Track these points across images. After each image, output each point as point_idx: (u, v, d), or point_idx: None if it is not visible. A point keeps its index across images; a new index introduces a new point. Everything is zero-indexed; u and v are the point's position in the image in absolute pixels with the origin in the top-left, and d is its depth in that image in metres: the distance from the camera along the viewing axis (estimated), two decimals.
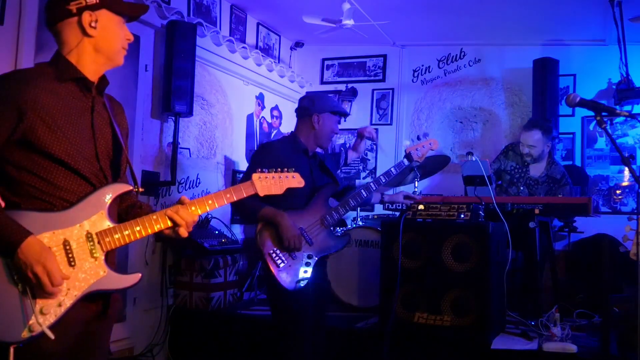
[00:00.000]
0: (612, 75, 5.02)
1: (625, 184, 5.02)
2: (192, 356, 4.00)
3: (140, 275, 1.73)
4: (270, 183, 1.95)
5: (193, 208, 1.79)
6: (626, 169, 4.04)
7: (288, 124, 6.12)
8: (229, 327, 3.91)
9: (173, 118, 4.25)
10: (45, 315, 1.56)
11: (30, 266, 1.54)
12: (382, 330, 3.33)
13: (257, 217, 2.89)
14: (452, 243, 3.27)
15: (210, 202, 1.81)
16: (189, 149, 4.57)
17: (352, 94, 6.05)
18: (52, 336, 1.54)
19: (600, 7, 4.44)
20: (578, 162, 5.17)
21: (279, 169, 2.01)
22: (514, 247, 3.40)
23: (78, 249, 1.64)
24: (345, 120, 3.22)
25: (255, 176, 1.94)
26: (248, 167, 3.10)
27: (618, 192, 5.03)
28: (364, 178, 5.99)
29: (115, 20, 1.76)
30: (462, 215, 3.33)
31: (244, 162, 5.28)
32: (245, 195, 1.89)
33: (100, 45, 1.74)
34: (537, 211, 3.58)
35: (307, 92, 3.20)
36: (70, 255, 1.63)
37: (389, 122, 5.95)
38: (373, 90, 6.04)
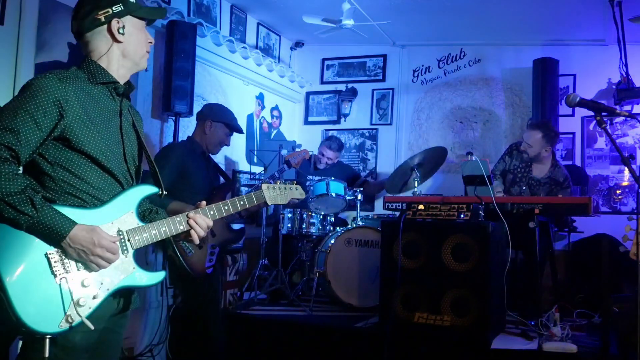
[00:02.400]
0: (612, 75, 5.02)
1: (625, 184, 5.02)
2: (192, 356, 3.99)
3: (164, 273, 1.85)
4: (277, 193, 2.15)
5: (212, 212, 1.94)
6: (626, 169, 4.05)
7: (288, 124, 6.12)
8: (229, 327, 3.91)
9: (173, 118, 4.26)
10: (82, 307, 1.62)
11: (89, 252, 1.62)
12: (382, 330, 3.33)
13: (166, 211, 3.03)
14: (452, 243, 3.26)
15: (226, 207, 1.97)
16: None
17: (352, 94, 6.05)
18: (91, 326, 1.61)
19: (600, 7, 4.44)
20: (578, 162, 5.17)
21: (286, 181, 2.22)
22: (514, 247, 3.40)
23: None
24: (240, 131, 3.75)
25: (264, 186, 2.12)
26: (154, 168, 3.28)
27: (618, 192, 5.03)
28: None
29: (139, 25, 1.87)
30: (462, 215, 3.33)
31: (244, 162, 5.29)
32: (256, 203, 2.07)
33: (128, 50, 1.85)
34: (537, 211, 3.57)
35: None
36: None
37: (389, 122, 5.95)
38: (373, 90, 6.04)
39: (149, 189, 1.85)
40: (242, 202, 2.00)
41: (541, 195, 4.20)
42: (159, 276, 1.82)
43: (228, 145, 3.65)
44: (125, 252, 1.73)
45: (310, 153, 4.74)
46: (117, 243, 1.70)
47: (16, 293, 1.53)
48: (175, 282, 3.52)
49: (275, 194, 2.13)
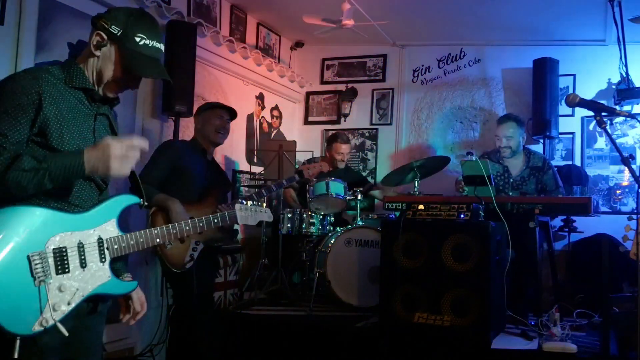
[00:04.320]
0: (612, 75, 5.02)
1: (625, 184, 5.02)
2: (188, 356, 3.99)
3: (136, 283, 1.91)
4: (248, 214, 2.27)
5: (187, 228, 2.00)
6: (626, 169, 4.05)
7: (288, 124, 6.12)
8: (229, 327, 3.91)
9: (173, 118, 4.25)
10: (56, 312, 1.63)
11: (111, 157, 1.62)
12: (382, 330, 3.33)
13: (152, 201, 3.21)
14: (452, 243, 3.26)
15: (201, 224, 2.05)
16: None
17: (352, 94, 6.05)
18: (65, 333, 1.62)
19: (600, 7, 4.44)
20: (578, 162, 5.17)
21: (256, 203, 2.34)
22: (514, 247, 3.40)
23: (90, 252, 1.73)
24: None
25: (237, 207, 2.25)
26: (150, 161, 3.38)
27: (618, 192, 5.03)
28: None
29: (116, 60, 1.79)
30: (462, 215, 3.33)
31: (244, 162, 5.28)
32: (229, 223, 2.20)
33: (101, 69, 1.80)
34: (537, 211, 3.57)
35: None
36: (82, 257, 1.71)
37: (389, 122, 5.95)
38: (373, 90, 6.04)
39: (131, 199, 1.87)
40: (215, 221, 2.10)
41: (532, 188, 4.23)
42: (129, 286, 1.87)
43: (225, 126, 3.63)
44: (104, 260, 1.75)
45: (301, 162, 4.77)
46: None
47: None
48: (165, 275, 3.59)
49: (246, 215, 2.25)
